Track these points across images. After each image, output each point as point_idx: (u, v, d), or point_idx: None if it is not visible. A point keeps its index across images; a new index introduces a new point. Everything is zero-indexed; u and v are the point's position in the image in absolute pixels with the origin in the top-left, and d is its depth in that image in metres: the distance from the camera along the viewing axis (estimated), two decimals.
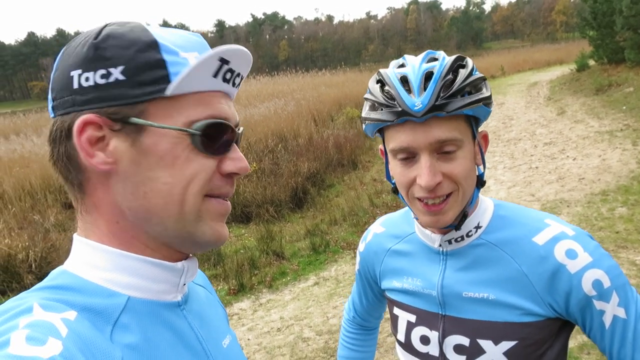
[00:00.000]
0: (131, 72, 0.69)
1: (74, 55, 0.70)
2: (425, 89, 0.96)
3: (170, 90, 0.69)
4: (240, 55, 0.74)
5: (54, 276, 0.71)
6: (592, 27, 18.80)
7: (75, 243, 0.75)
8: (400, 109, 0.97)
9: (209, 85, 0.73)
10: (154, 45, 0.70)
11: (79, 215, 0.75)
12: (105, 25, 0.73)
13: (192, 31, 0.79)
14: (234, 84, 0.78)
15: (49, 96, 0.74)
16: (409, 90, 0.98)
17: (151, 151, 0.70)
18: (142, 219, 0.72)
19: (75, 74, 0.69)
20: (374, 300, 1.43)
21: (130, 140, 0.69)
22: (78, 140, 0.69)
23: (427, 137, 0.97)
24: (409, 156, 1.02)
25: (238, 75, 0.77)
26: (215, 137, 0.73)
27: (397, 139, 1.01)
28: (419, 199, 1.03)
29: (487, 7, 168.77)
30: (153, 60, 0.69)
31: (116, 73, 0.68)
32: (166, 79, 0.69)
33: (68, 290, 0.68)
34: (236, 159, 0.77)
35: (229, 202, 0.79)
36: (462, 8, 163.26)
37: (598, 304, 0.97)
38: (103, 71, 0.69)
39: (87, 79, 0.69)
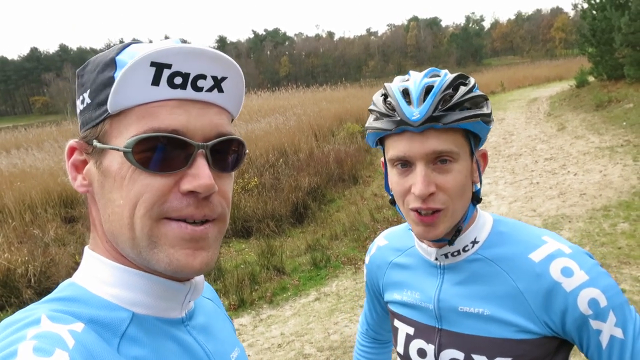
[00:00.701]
0: (93, 94, 0.70)
1: None
2: (424, 101, 0.99)
3: (110, 107, 0.66)
4: (186, 54, 0.66)
5: (63, 288, 0.72)
6: (592, 44, 18.93)
7: (85, 255, 0.76)
8: (399, 118, 1.00)
9: (152, 95, 0.66)
10: (110, 63, 0.69)
11: (90, 229, 0.77)
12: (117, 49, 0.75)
13: None
14: (197, 89, 0.69)
15: None
16: (409, 102, 1.01)
17: (108, 172, 0.68)
18: (113, 241, 0.72)
19: (77, 102, 0.75)
20: (382, 312, 1.43)
21: (97, 163, 0.70)
22: (67, 165, 0.73)
23: (424, 148, 0.99)
24: (406, 165, 1.03)
25: (202, 77, 0.68)
26: (160, 152, 0.66)
27: (395, 147, 1.03)
28: (413, 210, 1.04)
29: (487, 24, 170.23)
30: (106, 78, 0.69)
31: (86, 97, 0.72)
32: None
33: (75, 302, 0.68)
34: (194, 176, 0.67)
35: (199, 226, 0.69)
36: (462, 25, 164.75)
37: (594, 324, 0.96)
38: (81, 97, 0.73)
39: (77, 107, 0.74)
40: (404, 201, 1.06)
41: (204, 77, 0.68)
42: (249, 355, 4.43)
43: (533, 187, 8.24)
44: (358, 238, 7.06)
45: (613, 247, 5.35)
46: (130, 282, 0.72)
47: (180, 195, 0.67)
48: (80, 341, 0.60)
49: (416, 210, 1.03)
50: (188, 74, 0.67)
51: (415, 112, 0.98)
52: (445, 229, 1.04)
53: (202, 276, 0.81)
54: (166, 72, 0.65)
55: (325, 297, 5.48)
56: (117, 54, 0.69)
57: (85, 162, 0.72)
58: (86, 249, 0.76)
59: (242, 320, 5.19)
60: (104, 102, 0.67)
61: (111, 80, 0.67)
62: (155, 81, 0.65)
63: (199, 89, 0.69)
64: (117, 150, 0.66)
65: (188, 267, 0.68)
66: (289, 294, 5.72)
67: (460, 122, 0.99)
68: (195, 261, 0.68)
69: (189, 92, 0.68)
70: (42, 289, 5.75)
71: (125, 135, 0.66)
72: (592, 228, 5.97)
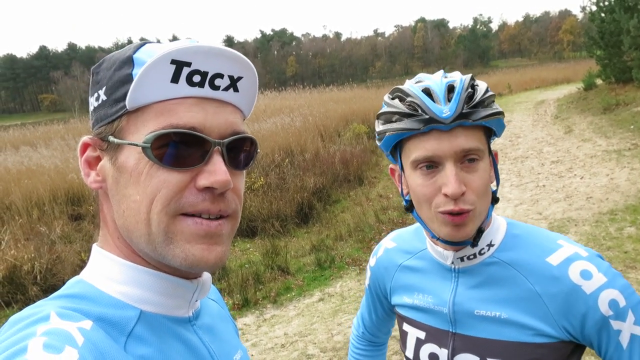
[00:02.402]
0: (109, 91, 0.71)
1: None
2: (449, 100, 0.99)
3: (128, 105, 0.67)
4: (206, 53, 0.67)
5: (71, 285, 0.72)
6: (600, 47, 18.82)
7: (93, 253, 0.76)
8: (427, 116, 0.98)
9: (171, 92, 0.67)
10: (128, 60, 0.70)
11: (100, 226, 0.77)
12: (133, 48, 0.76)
13: None
14: (214, 87, 0.70)
15: None
16: (433, 101, 1.00)
17: (124, 168, 0.69)
18: (127, 237, 0.72)
19: (90, 99, 0.76)
20: (384, 315, 1.42)
21: (112, 159, 0.71)
22: (80, 161, 0.73)
23: (453, 146, 0.98)
24: (432, 167, 1.02)
25: (219, 76, 0.70)
26: (177, 148, 0.67)
27: (422, 148, 1.01)
28: (443, 213, 1.02)
29: (494, 26, 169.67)
30: (124, 75, 0.70)
31: (102, 94, 0.72)
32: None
33: (84, 300, 0.68)
34: (211, 172, 0.68)
35: (213, 222, 0.70)
36: (470, 26, 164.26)
37: (615, 324, 0.96)
38: (96, 94, 0.73)
39: (91, 104, 0.74)
40: (431, 204, 1.03)
41: (221, 76, 0.70)
42: (252, 355, 4.43)
43: (539, 190, 8.20)
44: (363, 239, 7.05)
45: (619, 251, 5.32)
46: (138, 279, 0.72)
47: (196, 191, 0.68)
48: (89, 339, 0.61)
49: (447, 212, 1.01)
50: (206, 73, 0.68)
51: (445, 109, 0.97)
52: (474, 229, 1.03)
53: (209, 275, 0.82)
54: (185, 70, 0.67)
55: (329, 298, 5.48)
56: (134, 52, 0.70)
57: (98, 159, 0.73)
58: (94, 246, 0.76)
59: (246, 319, 5.19)
60: (121, 98, 0.68)
61: (129, 78, 0.68)
62: (175, 79, 0.66)
63: (216, 88, 0.70)
64: (136, 145, 0.67)
65: (203, 262, 0.69)
66: (293, 294, 5.72)
67: (486, 119, 1.00)
68: (210, 256, 0.69)
69: (206, 91, 0.69)
70: (48, 286, 5.79)
71: (143, 131, 0.67)
72: (599, 232, 5.94)
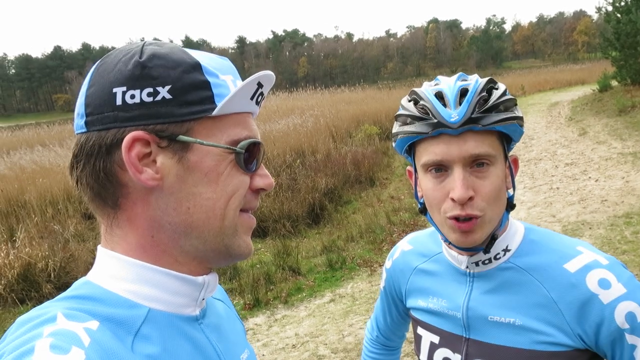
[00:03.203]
0: (178, 92, 0.71)
1: (116, 72, 0.71)
2: (460, 104, 0.98)
3: (216, 110, 0.73)
4: (270, 78, 0.80)
5: (78, 286, 0.73)
6: (615, 48, 18.60)
7: (99, 255, 0.76)
8: (436, 120, 0.98)
9: (245, 107, 0.78)
10: (197, 67, 0.74)
11: (107, 228, 0.75)
12: (144, 44, 0.75)
13: (213, 47, 0.82)
14: (259, 104, 0.82)
15: (82, 111, 0.73)
16: (445, 104, 0.99)
17: (196, 168, 0.73)
18: (181, 234, 0.74)
19: (118, 90, 0.70)
20: (399, 318, 1.41)
21: (177, 157, 0.72)
22: (127, 156, 0.69)
23: (461, 151, 0.97)
24: (441, 170, 1.01)
25: (262, 95, 0.81)
26: (251, 155, 0.78)
27: (431, 152, 1.01)
28: (451, 218, 1.01)
29: (508, 27, 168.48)
30: (198, 81, 0.73)
31: (163, 92, 0.71)
32: (211, 100, 0.73)
33: (91, 300, 0.69)
34: (264, 176, 0.81)
35: (253, 217, 0.83)
36: (483, 27, 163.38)
37: (630, 338, 0.93)
38: (150, 89, 0.70)
39: (132, 97, 0.70)
40: (440, 209, 1.03)
41: (263, 95, 0.82)
42: (263, 355, 4.44)
43: (553, 193, 8.12)
44: (374, 240, 7.03)
45: (635, 255, 5.25)
46: (147, 277, 0.72)
47: (251, 192, 0.79)
48: (96, 339, 0.61)
49: (454, 218, 1.00)
50: (263, 93, 0.81)
51: (453, 114, 0.96)
52: (483, 236, 1.02)
53: (215, 274, 0.83)
54: (259, 91, 0.79)
55: (340, 299, 5.47)
56: (192, 57, 0.75)
57: (147, 155, 0.71)
58: (100, 247, 0.76)
59: (257, 319, 5.21)
60: (196, 102, 0.72)
61: (206, 84, 0.73)
62: (252, 96, 0.78)
63: (260, 106, 0.83)
64: (229, 149, 0.74)
65: (250, 250, 0.82)
66: (304, 294, 5.73)
67: (498, 124, 0.98)
68: (251, 245, 0.83)
69: (257, 107, 0.82)
70: (62, 284, 5.85)
71: (219, 136, 0.74)
72: (614, 235, 5.87)
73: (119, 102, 0.70)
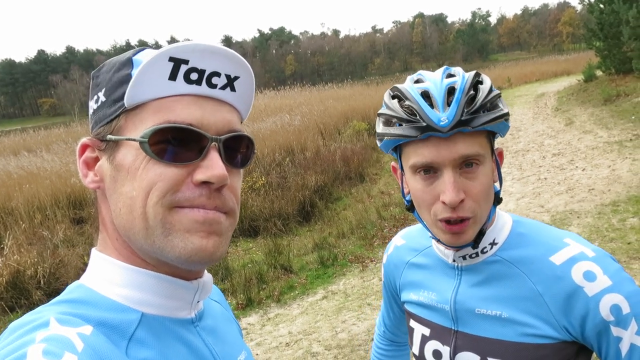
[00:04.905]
0: (108, 92, 0.72)
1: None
2: (449, 104, 0.95)
3: (126, 101, 0.69)
4: (203, 51, 0.69)
5: (71, 290, 0.72)
6: (599, 38, 18.76)
7: (92, 257, 0.76)
8: (424, 124, 0.95)
9: (168, 90, 0.68)
10: (127, 62, 0.72)
11: (99, 231, 0.78)
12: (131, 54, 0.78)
13: None
14: (211, 85, 0.71)
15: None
16: (431, 105, 0.96)
17: (121, 165, 0.70)
18: (125, 236, 0.72)
19: (90, 102, 0.77)
20: (400, 313, 1.42)
21: (110, 158, 0.72)
22: (78, 162, 0.74)
23: (452, 153, 0.95)
24: (429, 171, 1.00)
25: (216, 74, 0.71)
26: (175, 144, 0.68)
27: (420, 154, 0.98)
28: (442, 220, 1.00)
29: (493, 20, 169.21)
30: (123, 76, 0.71)
31: (101, 96, 0.73)
32: None
33: (84, 305, 0.68)
34: (208, 166, 0.69)
35: (212, 211, 0.70)
36: (468, 21, 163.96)
37: (615, 330, 0.93)
38: (95, 96, 0.74)
39: (90, 107, 0.76)
40: (430, 211, 1.01)
41: (218, 74, 0.71)
42: (256, 355, 4.44)
43: (541, 183, 8.19)
44: (365, 236, 7.05)
45: (622, 242, 5.31)
46: (138, 281, 0.72)
47: (193, 186, 0.68)
48: (89, 344, 0.60)
49: (445, 221, 0.99)
50: (204, 71, 0.69)
51: (442, 117, 0.93)
52: (474, 234, 1.02)
53: (210, 276, 0.82)
54: (183, 68, 0.68)
55: (333, 296, 5.48)
56: (134, 54, 0.73)
57: (97, 160, 0.74)
58: (93, 250, 0.76)
59: (250, 319, 5.20)
60: (120, 98, 0.70)
61: (128, 78, 0.69)
62: (172, 76, 0.68)
63: (213, 86, 0.71)
64: (133, 140, 0.68)
65: (202, 250, 0.68)
66: (297, 292, 5.73)
67: (487, 124, 0.96)
68: (209, 244, 0.69)
69: (203, 89, 0.70)
70: (52, 290, 5.80)
71: (141, 128, 0.69)
72: (601, 223, 5.93)
73: (90, 112, 0.76)
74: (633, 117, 11.88)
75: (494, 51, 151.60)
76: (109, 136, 0.71)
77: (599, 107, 14.68)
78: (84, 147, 0.75)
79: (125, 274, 0.72)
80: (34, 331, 0.59)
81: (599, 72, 20.18)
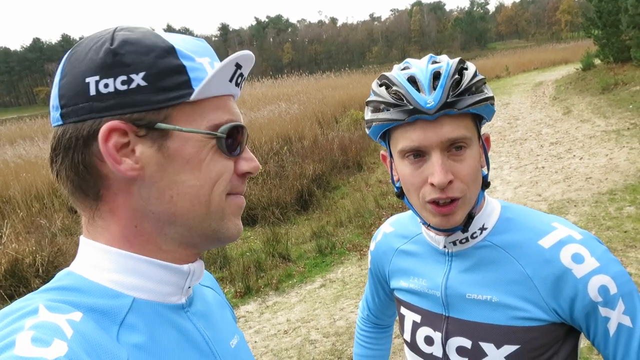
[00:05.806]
0: (153, 78, 0.69)
1: (87, 61, 0.69)
2: (434, 88, 0.97)
3: (194, 95, 0.71)
4: (249, 59, 0.77)
5: (60, 277, 0.72)
6: (597, 27, 18.71)
7: (81, 245, 0.75)
8: (411, 107, 0.97)
9: (225, 89, 0.76)
10: (171, 50, 0.71)
11: (89, 219, 0.74)
12: (115, 30, 0.72)
13: (197, 35, 0.80)
14: (239, 86, 0.80)
15: (56, 103, 0.71)
16: (418, 90, 0.98)
17: (177, 155, 0.71)
18: (165, 222, 0.72)
19: (91, 80, 0.68)
20: (386, 298, 1.43)
21: (156, 146, 0.70)
22: (104, 147, 0.67)
23: (438, 136, 0.97)
24: (419, 156, 1.01)
25: (242, 76, 0.79)
26: (234, 139, 0.76)
27: (407, 138, 1.00)
28: (431, 202, 1.01)
29: (491, 8, 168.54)
30: (174, 65, 0.70)
31: (137, 79, 0.68)
32: (188, 84, 0.71)
33: (73, 291, 0.68)
34: (249, 159, 0.79)
35: (243, 197, 0.82)
36: (466, 9, 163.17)
37: (603, 311, 0.96)
38: (124, 77, 0.68)
39: (106, 86, 0.68)
40: (419, 194, 1.03)
41: (243, 76, 0.80)
42: (255, 342, 4.47)
43: (538, 172, 8.21)
44: (363, 225, 7.07)
45: (619, 230, 5.34)
46: (131, 266, 0.71)
47: (236, 176, 0.78)
48: (79, 330, 0.60)
49: (434, 202, 1.01)
50: (243, 74, 0.79)
51: (429, 99, 0.95)
52: (463, 216, 1.03)
53: (201, 262, 0.82)
54: (238, 72, 0.76)
55: (331, 284, 5.51)
56: (165, 41, 0.72)
57: (126, 145, 0.69)
58: (82, 238, 0.75)
59: (248, 307, 5.23)
60: (173, 88, 0.70)
61: (181, 69, 0.71)
62: (231, 78, 0.76)
63: (240, 87, 0.81)
64: (209, 134, 0.73)
65: (241, 230, 0.81)
66: (295, 280, 5.75)
67: (473, 106, 0.98)
68: (241, 225, 0.82)
69: (238, 89, 0.80)
70: (50, 279, 5.76)
71: (199, 122, 0.72)
72: (598, 212, 5.96)
73: (92, 92, 0.68)
74: (631, 106, 11.88)
75: (492, 39, 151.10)
76: (164, 125, 0.69)
77: (597, 96, 14.67)
78: (112, 131, 0.67)
79: (117, 259, 0.71)
80: (22, 318, 0.59)
81: (597, 61, 20.15)
